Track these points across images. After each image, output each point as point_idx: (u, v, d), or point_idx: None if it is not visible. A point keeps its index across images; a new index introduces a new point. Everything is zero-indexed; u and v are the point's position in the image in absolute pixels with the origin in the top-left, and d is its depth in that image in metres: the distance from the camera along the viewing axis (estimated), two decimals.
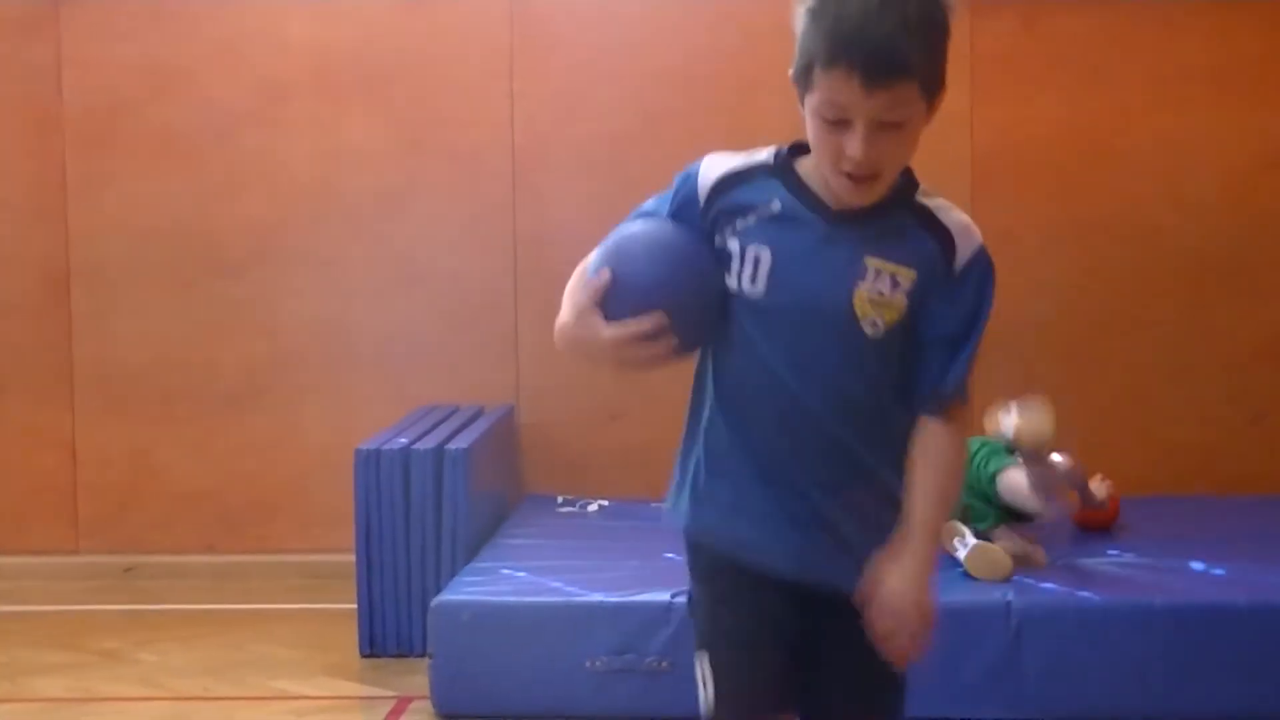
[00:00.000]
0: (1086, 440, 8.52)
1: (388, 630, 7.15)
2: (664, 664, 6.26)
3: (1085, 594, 6.32)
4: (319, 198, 8.60)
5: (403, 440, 7.33)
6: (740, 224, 3.43)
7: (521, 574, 6.72)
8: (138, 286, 8.62)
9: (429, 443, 7.30)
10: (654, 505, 7.99)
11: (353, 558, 7.23)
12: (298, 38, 8.59)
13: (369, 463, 7.17)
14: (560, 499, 8.21)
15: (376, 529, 7.16)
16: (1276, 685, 6.13)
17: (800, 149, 3.45)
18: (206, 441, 8.65)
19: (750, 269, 3.40)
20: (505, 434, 8.31)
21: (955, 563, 6.47)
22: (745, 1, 8.43)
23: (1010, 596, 6.27)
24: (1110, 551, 6.97)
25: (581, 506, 8.06)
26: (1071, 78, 8.49)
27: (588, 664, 6.27)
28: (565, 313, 3.47)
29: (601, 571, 6.76)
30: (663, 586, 6.49)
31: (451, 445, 7.26)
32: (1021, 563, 6.53)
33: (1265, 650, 6.13)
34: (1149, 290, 8.52)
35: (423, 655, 6.66)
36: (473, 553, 7.14)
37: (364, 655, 7.13)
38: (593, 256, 3.49)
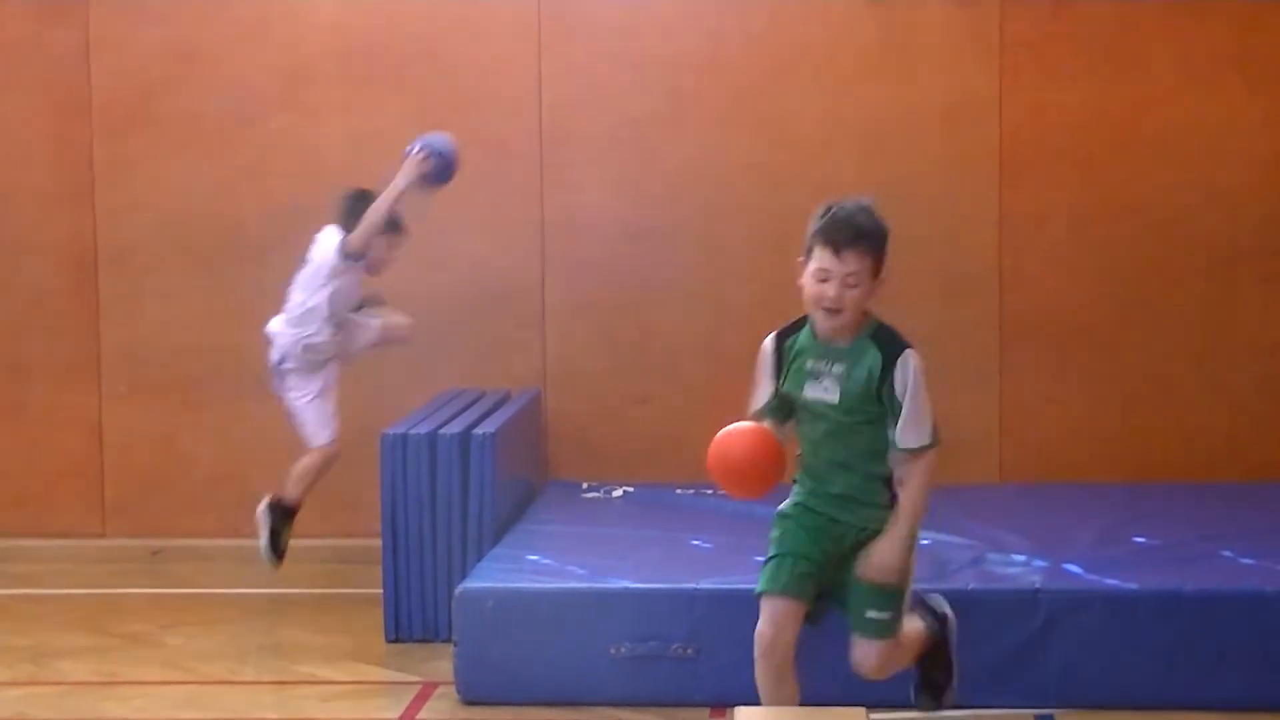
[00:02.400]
0: (1113, 426, 8.53)
1: (413, 616, 7.14)
2: (688, 650, 6.24)
3: (1113, 581, 6.29)
4: (345, 181, 8.57)
5: (429, 425, 7.32)
6: None
7: (546, 560, 6.71)
8: (165, 270, 8.63)
9: (455, 427, 7.29)
10: (679, 491, 8.02)
11: (378, 542, 7.23)
12: (324, 21, 8.59)
13: (395, 447, 7.16)
14: (585, 485, 8.19)
15: (402, 514, 7.15)
16: None
17: None
18: (232, 426, 8.65)
19: None
20: (531, 419, 8.29)
21: None
22: None
23: (1039, 584, 6.26)
24: (1137, 539, 6.94)
25: (606, 492, 8.05)
26: (1100, 64, 8.45)
27: (612, 651, 6.26)
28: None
29: (626, 558, 6.74)
30: (687, 573, 6.47)
31: (478, 430, 7.25)
32: None
33: None
34: (1176, 276, 8.48)
35: (447, 641, 6.65)
36: (498, 538, 7.13)
37: (389, 641, 7.12)
38: None
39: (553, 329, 8.54)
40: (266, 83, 8.60)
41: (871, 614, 5.45)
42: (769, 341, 5.55)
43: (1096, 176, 8.46)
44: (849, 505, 5.47)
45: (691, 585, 6.32)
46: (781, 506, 5.55)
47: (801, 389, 5.47)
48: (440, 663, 6.69)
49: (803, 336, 5.49)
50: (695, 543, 7.06)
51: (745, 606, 6.24)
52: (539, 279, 8.55)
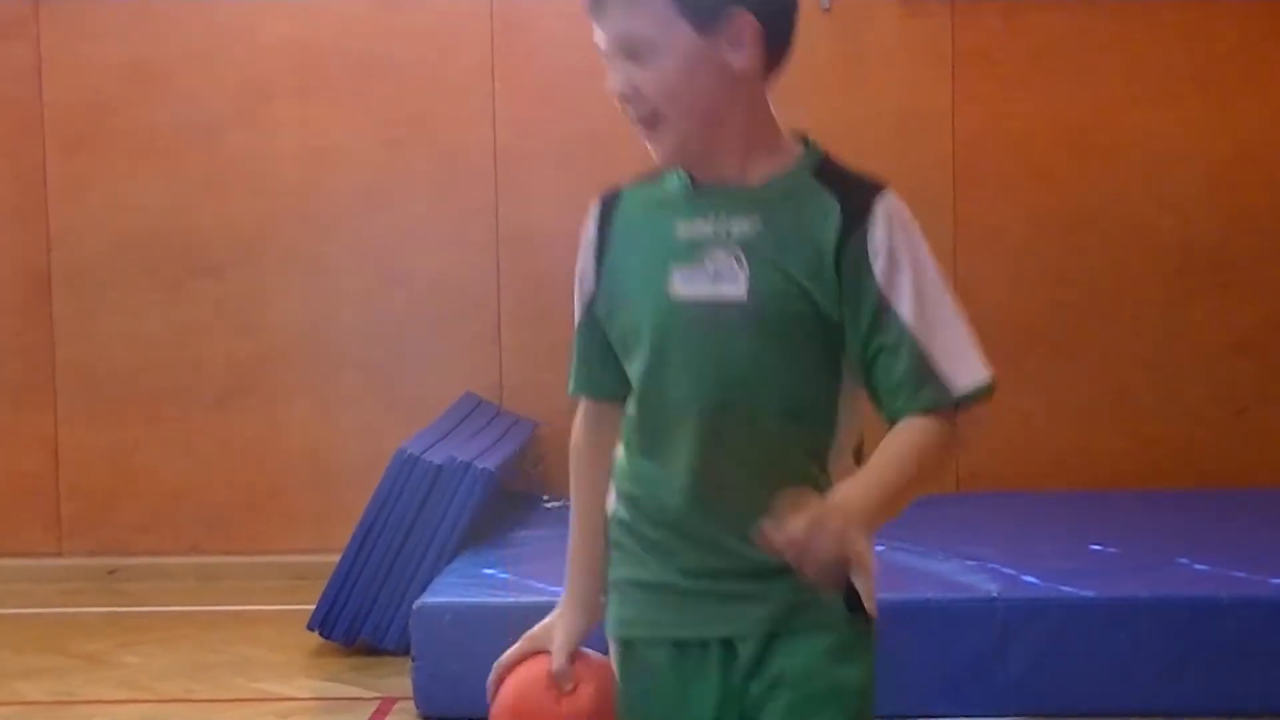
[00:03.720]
0: (1069, 435, 8.55)
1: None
2: None
3: (1070, 589, 6.31)
4: (302, 197, 8.58)
5: (443, 450, 7.30)
6: None
7: (504, 575, 6.70)
8: (120, 287, 8.59)
9: (465, 455, 7.27)
10: None
11: (335, 558, 7.21)
12: (279, 37, 8.57)
13: (405, 466, 7.13)
14: (544, 497, 8.18)
15: (380, 528, 7.11)
16: (1261, 679, 6.14)
17: None
18: (190, 442, 8.62)
19: None
20: (523, 447, 8.27)
21: None
22: None
23: (996, 592, 6.27)
24: (1094, 547, 6.96)
25: (565, 504, 8.03)
26: (1053, 74, 8.48)
27: None
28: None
29: None
30: None
31: (479, 464, 7.22)
32: None
33: (1249, 644, 6.13)
34: (1131, 285, 8.52)
35: (405, 653, 6.63)
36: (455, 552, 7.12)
37: (347, 655, 7.10)
38: None
39: (508, 343, 8.53)
40: (222, 98, 8.58)
41: None
42: (591, 214, 3.11)
43: (1050, 186, 8.49)
44: (744, 584, 2.91)
45: None
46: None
47: (664, 284, 2.94)
48: (399, 678, 6.67)
49: (662, 188, 3.07)
50: None
51: None
52: (494, 293, 8.54)
